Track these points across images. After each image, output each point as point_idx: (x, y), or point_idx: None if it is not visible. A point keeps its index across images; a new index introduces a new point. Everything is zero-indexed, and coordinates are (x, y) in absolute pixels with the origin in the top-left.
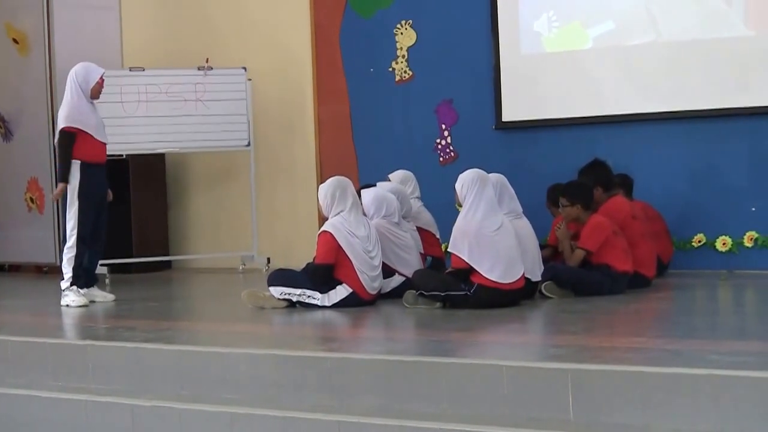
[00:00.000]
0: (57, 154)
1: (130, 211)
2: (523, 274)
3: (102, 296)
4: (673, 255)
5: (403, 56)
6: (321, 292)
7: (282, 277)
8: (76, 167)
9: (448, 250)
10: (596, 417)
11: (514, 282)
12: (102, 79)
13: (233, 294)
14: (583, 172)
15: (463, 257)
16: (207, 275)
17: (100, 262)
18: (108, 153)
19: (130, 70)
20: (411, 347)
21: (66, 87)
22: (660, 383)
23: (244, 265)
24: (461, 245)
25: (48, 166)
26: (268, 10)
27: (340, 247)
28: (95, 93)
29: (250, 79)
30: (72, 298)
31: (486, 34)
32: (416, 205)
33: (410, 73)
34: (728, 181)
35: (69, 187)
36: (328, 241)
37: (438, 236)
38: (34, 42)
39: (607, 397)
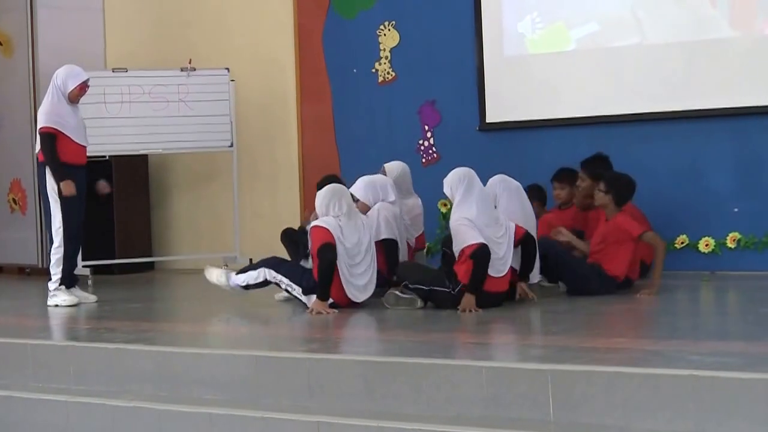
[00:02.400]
0: (44, 156)
1: (112, 212)
2: (509, 273)
3: (84, 297)
4: None
5: (386, 57)
6: (305, 294)
7: (279, 264)
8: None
9: (454, 248)
10: (576, 418)
11: (500, 278)
12: (86, 86)
13: (215, 295)
14: (585, 165)
15: (478, 240)
16: (189, 276)
17: (83, 263)
18: (91, 154)
19: (113, 71)
20: (391, 348)
21: (48, 88)
22: (640, 384)
23: (227, 266)
24: (473, 233)
25: (31, 167)
26: (251, 11)
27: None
28: (74, 97)
29: (233, 80)
30: (62, 297)
31: (469, 35)
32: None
33: (393, 74)
34: (711, 182)
35: (49, 189)
36: (322, 230)
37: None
38: (17, 43)
39: (587, 397)
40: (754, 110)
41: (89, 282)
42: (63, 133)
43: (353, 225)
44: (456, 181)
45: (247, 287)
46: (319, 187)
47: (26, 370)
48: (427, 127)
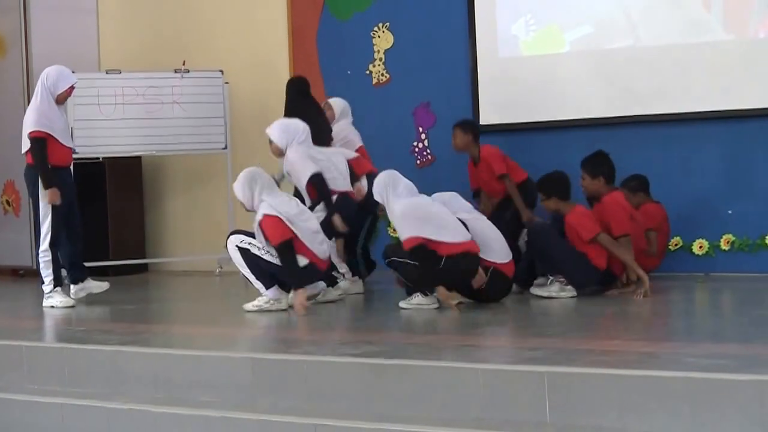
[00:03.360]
0: (34, 161)
1: (106, 213)
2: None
3: (97, 286)
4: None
5: (381, 59)
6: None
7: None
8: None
9: (401, 239)
10: (572, 420)
11: (468, 242)
12: (72, 88)
13: (210, 297)
14: (585, 164)
15: (412, 234)
16: (184, 278)
17: None
18: (85, 155)
19: (107, 73)
20: (387, 350)
21: (35, 89)
22: (636, 386)
23: (221, 268)
24: (408, 227)
25: (24, 169)
26: (245, 13)
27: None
28: (61, 99)
29: (227, 82)
30: (58, 299)
31: (463, 37)
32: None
33: (387, 76)
34: (705, 185)
35: (40, 191)
36: (274, 220)
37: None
38: (11, 44)
39: (583, 399)
40: (748, 113)
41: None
42: (52, 136)
43: (280, 197)
44: (382, 185)
45: (261, 275)
46: (288, 86)
47: (21, 372)
48: (421, 129)
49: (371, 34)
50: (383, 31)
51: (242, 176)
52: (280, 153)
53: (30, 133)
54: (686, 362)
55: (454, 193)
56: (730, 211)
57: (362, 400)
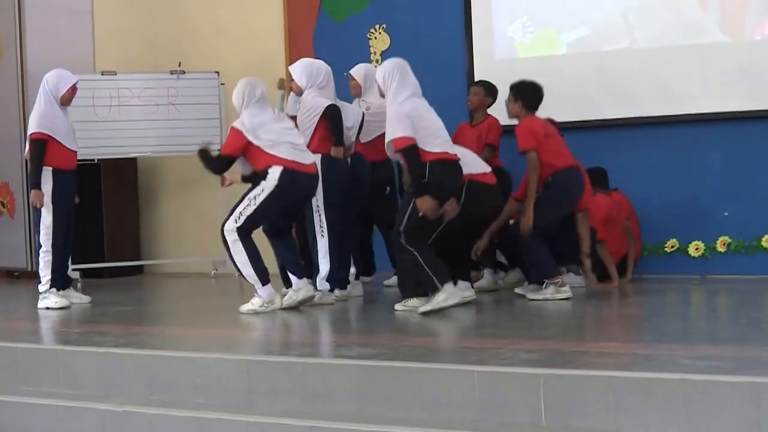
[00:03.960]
0: (30, 159)
1: (101, 215)
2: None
3: (78, 298)
4: (645, 259)
5: (377, 60)
6: (256, 185)
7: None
8: (48, 174)
9: (389, 140)
10: (568, 422)
11: (452, 154)
12: (75, 88)
13: (205, 299)
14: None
15: (407, 135)
16: (179, 280)
17: (72, 266)
18: (80, 157)
19: (103, 74)
20: (383, 352)
21: (38, 94)
22: (632, 388)
23: (216, 269)
24: (402, 127)
25: (19, 170)
26: (242, 14)
27: (250, 143)
28: (65, 101)
29: (223, 84)
30: (53, 300)
31: (460, 39)
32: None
33: None
34: (701, 186)
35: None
36: (237, 135)
37: None
38: (6, 45)
39: (579, 401)
40: (744, 114)
41: (78, 285)
42: (54, 139)
43: (264, 111)
44: (390, 70)
45: (259, 269)
46: None
47: (16, 374)
48: None
49: (367, 35)
50: (380, 33)
51: (241, 82)
52: (300, 92)
53: (31, 135)
54: (682, 364)
55: None
56: (726, 213)
57: (358, 402)
